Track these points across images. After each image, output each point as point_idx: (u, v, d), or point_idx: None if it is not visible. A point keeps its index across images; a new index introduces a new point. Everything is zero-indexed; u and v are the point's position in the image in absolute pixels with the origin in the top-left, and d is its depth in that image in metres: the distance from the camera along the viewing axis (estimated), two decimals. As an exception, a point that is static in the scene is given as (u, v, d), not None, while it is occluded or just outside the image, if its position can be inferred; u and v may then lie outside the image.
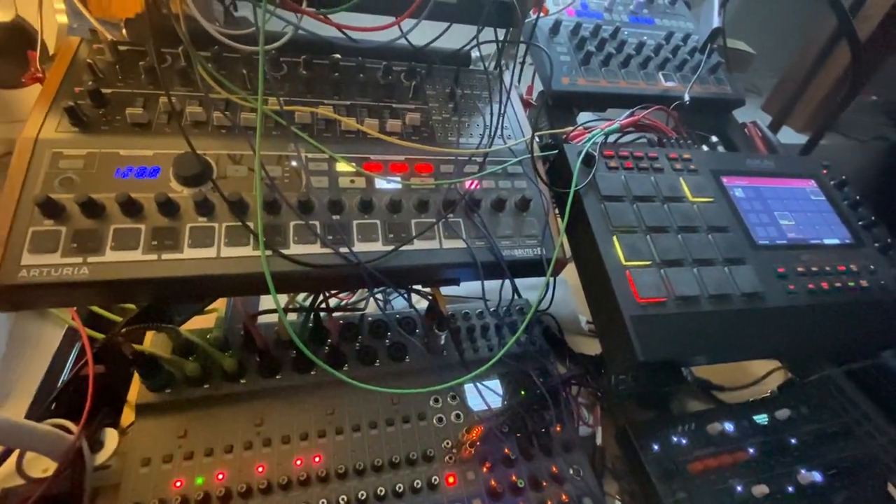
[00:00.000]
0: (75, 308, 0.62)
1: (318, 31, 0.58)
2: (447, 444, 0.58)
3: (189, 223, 0.46)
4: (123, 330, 0.53)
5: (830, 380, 0.75)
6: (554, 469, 0.58)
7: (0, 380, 0.59)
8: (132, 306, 0.59)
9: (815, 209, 0.68)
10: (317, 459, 0.54)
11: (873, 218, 0.67)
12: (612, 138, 0.68)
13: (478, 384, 0.63)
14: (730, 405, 0.74)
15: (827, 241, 0.65)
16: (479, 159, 0.58)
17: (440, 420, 0.60)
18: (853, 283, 0.60)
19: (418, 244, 0.52)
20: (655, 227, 0.57)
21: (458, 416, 0.61)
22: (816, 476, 0.65)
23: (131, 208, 0.45)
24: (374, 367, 0.63)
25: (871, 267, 0.63)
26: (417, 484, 0.53)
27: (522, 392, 0.65)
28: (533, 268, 0.56)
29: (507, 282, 0.56)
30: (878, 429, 0.72)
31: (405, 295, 0.64)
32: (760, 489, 0.61)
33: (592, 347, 0.78)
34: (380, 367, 0.63)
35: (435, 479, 0.54)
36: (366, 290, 0.71)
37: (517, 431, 0.60)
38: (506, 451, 0.58)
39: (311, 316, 0.61)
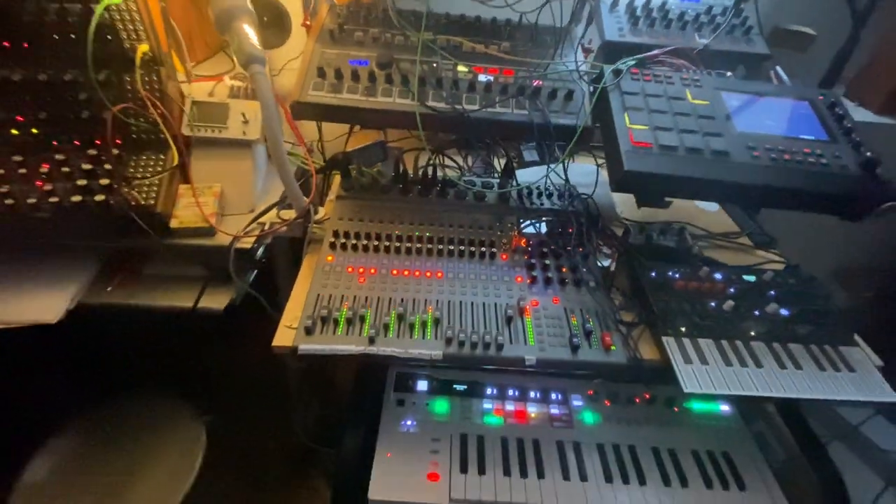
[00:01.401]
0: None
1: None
2: (504, 241, 0.93)
3: (380, 86, 0.90)
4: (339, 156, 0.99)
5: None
6: (574, 268, 0.89)
7: (265, 188, 1.08)
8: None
9: (802, 118, 0.91)
10: (428, 234, 0.92)
11: (848, 125, 0.88)
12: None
13: (530, 221, 0.97)
14: (725, 264, 0.97)
15: (803, 136, 0.88)
16: (542, 71, 0.94)
17: (501, 231, 0.95)
18: (813, 161, 0.83)
19: (500, 109, 0.89)
20: (656, 109, 0.87)
21: (512, 231, 0.95)
22: (783, 311, 0.86)
23: (354, 75, 0.89)
24: (465, 200, 1.00)
25: (837, 154, 0.85)
26: (483, 251, 0.89)
27: (559, 229, 0.97)
28: (569, 132, 0.89)
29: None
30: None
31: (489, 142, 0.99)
32: (729, 304, 0.85)
33: (619, 232, 1.07)
34: (468, 202, 1.00)
35: (494, 252, 0.90)
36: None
37: (554, 245, 0.93)
38: (543, 250, 0.91)
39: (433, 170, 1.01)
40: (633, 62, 0.95)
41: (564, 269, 0.89)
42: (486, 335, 0.75)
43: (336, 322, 0.76)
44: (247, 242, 0.92)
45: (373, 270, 0.85)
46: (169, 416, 1.07)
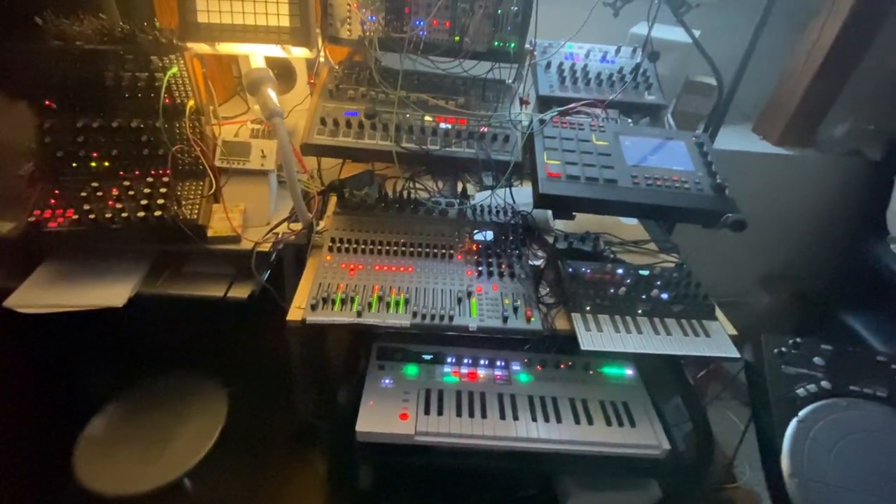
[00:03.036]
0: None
1: (424, 67, 1.34)
2: (460, 246, 1.24)
3: (367, 132, 1.22)
4: (335, 182, 1.30)
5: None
6: (511, 265, 1.20)
7: (277, 207, 1.39)
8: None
9: (676, 154, 1.24)
10: (403, 240, 1.23)
11: (710, 160, 1.22)
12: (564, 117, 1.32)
13: (480, 231, 1.28)
14: (628, 262, 1.29)
15: (675, 168, 1.21)
16: (487, 120, 1.27)
17: (459, 238, 1.26)
18: (678, 185, 1.16)
19: (455, 148, 1.22)
20: (567, 149, 1.20)
21: (468, 239, 1.27)
22: (663, 295, 1.18)
23: (348, 123, 1.22)
24: (432, 216, 1.32)
25: (697, 180, 1.18)
26: (444, 253, 1.20)
27: (502, 237, 1.28)
28: (506, 165, 1.21)
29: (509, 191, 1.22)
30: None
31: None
32: (622, 290, 1.17)
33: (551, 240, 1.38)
34: (435, 217, 1.32)
35: (452, 254, 1.20)
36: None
37: (497, 249, 1.24)
38: (488, 252, 1.23)
39: (408, 192, 1.33)
40: (555, 113, 1.29)
41: (503, 266, 1.20)
42: (441, 310, 1.05)
43: (333, 301, 1.05)
44: (264, 247, 1.22)
45: (360, 266, 1.15)
46: (199, 387, 1.35)
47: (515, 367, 1.23)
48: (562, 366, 1.25)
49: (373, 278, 1.12)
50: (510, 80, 1.41)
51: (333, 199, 1.36)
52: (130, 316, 1.17)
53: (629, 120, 1.38)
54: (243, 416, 1.34)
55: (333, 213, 1.30)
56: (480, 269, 1.18)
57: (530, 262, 1.26)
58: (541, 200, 1.12)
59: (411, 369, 1.19)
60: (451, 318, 1.04)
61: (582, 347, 1.04)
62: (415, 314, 1.04)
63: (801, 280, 2.20)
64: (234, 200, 1.29)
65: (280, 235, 1.26)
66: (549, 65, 1.46)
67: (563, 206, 1.15)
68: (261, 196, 1.33)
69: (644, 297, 1.17)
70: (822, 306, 1.98)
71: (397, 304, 1.06)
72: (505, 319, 1.06)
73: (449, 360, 1.22)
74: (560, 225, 1.47)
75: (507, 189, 1.32)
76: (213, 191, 1.24)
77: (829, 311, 1.93)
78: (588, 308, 1.13)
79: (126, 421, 1.27)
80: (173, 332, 1.35)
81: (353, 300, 1.06)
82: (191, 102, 1.23)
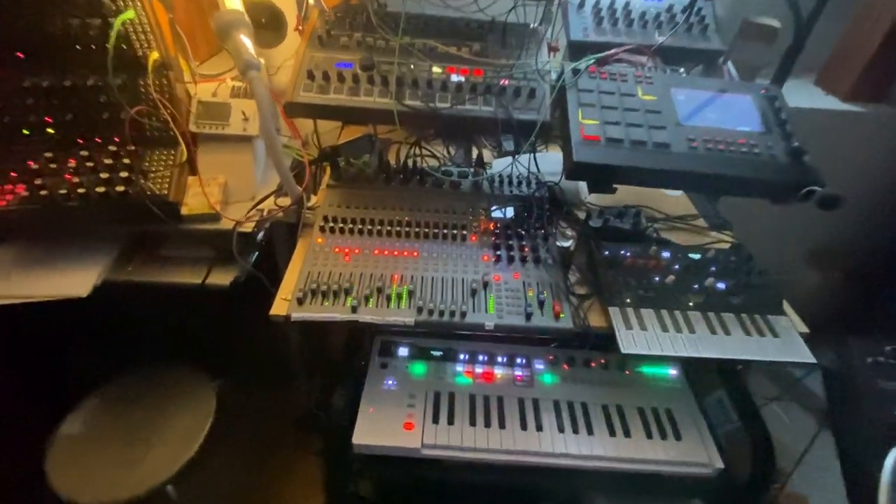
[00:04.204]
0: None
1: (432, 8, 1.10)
2: (475, 224, 1.05)
3: (363, 87, 1.01)
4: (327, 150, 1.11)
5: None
6: (535, 248, 1.01)
7: (265, 179, 1.20)
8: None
9: (742, 112, 1.01)
10: (407, 218, 1.04)
11: (784, 118, 0.98)
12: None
13: (499, 207, 1.09)
14: (675, 243, 1.09)
15: (740, 128, 0.98)
16: (508, 71, 1.04)
17: (473, 216, 1.07)
18: (746, 150, 0.93)
19: (469, 106, 1.00)
20: (608, 105, 0.97)
21: (483, 216, 1.07)
22: (719, 284, 0.98)
23: (340, 77, 1.01)
24: (442, 188, 1.12)
25: (769, 144, 0.95)
26: (455, 233, 1.01)
27: (525, 214, 1.08)
28: (531, 127, 1.00)
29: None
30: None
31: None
32: (670, 278, 0.97)
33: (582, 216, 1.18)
34: (445, 189, 1.12)
35: (465, 234, 1.02)
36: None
37: (519, 228, 1.05)
38: (508, 233, 1.03)
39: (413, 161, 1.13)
40: (592, 61, 1.05)
41: (526, 249, 1.01)
42: (452, 305, 0.88)
43: (324, 294, 0.88)
44: (248, 227, 1.05)
45: (357, 250, 0.97)
46: (183, 381, 1.22)
47: (538, 365, 1.06)
48: (593, 364, 1.08)
49: (371, 265, 0.95)
50: (535, 23, 1.16)
51: (329, 170, 1.17)
52: (105, 305, 1.02)
53: (681, 69, 1.14)
54: (234, 412, 1.22)
55: (326, 187, 1.11)
56: (499, 253, 0.99)
57: (558, 244, 1.06)
58: (574, 169, 0.91)
59: (418, 368, 1.03)
60: (463, 314, 0.87)
61: (623, 350, 0.86)
62: (420, 309, 0.87)
63: (858, 256, 1.95)
64: (212, 172, 1.11)
65: (266, 213, 1.09)
66: (582, 4, 1.21)
67: (603, 177, 0.94)
68: (243, 166, 1.15)
69: (696, 286, 0.98)
70: (885, 288, 1.75)
71: (399, 296, 0.89)
72: (528, 316, 0.88)
73: (461, 356, 1.06)
74: (593, 198, 1.26)
75: (532, 155, 1.10)
76: (185, 160, 1.06)
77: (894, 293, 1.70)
78: (629, 301, 0.94)
79: (104, 419, 1.15)
80: (155, 322, 1.22)
81: (347, 292, 0.89)
82: (154, 55, 1.03)
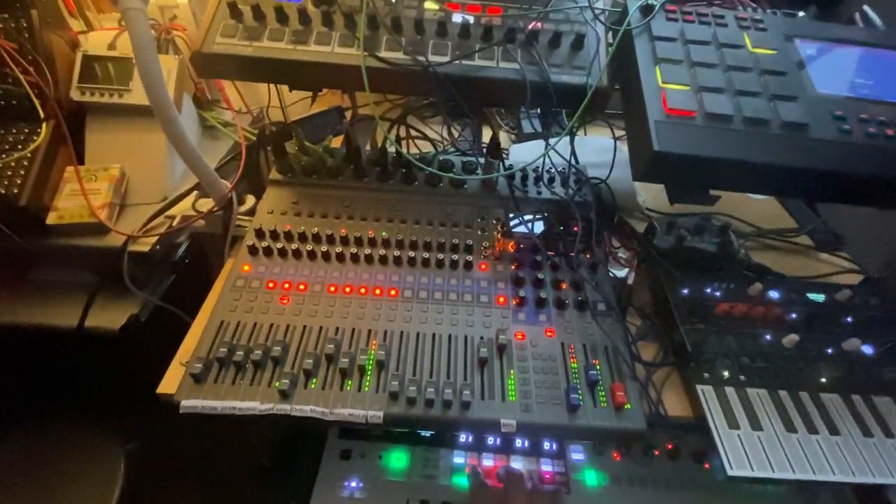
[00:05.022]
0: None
1: None
2: (485, 244, 0.69)
3: (315, 29, 0.65)
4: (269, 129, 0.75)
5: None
6: (575, 279, 0.66)
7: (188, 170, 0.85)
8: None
9: (907, 75, 0.64)
10: (384, 234, 0.69)
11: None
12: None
13: (521, 215, 0.73)
14: (782, 276, 0.73)
15: (911, 101, 0.61)
16: (544, 7, 0.68)
17: (483, 230, 0.72)
18: (932, 136, 0.57)
19: (480, 61, 0.64)
20: (701, 62, 0.61)
21: (497, 231, 0.72)
22: (865, 347, 0.62)
23: (281, 15, 0.65)
24: (439, 187, 0.77)
25: (966, 127, 0.58)
26: (455, 259, 0.66)
27: (561, 227, 0.73)
28: (577, 95, 0.64)
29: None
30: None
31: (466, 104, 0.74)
32: (790, 338, 0.62)
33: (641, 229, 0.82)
34: (442, 189, 0.77)
35: (470, 261, 0.66)
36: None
37: (549, 250, 0.69)
38: (536, 258, 0.68)
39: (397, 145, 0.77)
40: (666, -4, 0.68)
41: (564, 286, 0.65)
42: (446, 387, 0.53)
43: (238, 366, 0.54)
44: (144, 244, 0.70)
45: (301, 286, 0.63)
46: (83, 444, 0.89)
47: (577, 455, 0.72)
48: (656, 452, 0.73)
49: (322, 312, 0.60)
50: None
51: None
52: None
53: (800, 13, 0.76)
54: (149, 483, 0.90)
55: (268, 184, 0.76)
56: (523, 292, 0.64)
57: (612, 272, 0.71)
58: (654, 165, 0.55)
59: (397, 459, 0.70)
60: (464, 404, 0.52)
61: (729, 473, 0.51)
62: (394, 395, 0.53)
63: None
64: (106, 160, 0.77)
65: (177, 222, 0.74)
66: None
67: (699, 179, 0.58)
68: (151, 152, 0.80)
69: (829, 350, 0.63)
70: None
71: (362, 370, 0.55)
72: (573, 407, 0.53)
73: (462, 439, 0.72)
74: (650, 201, 0.90)
75: (570, 139, 0.74)
76: (47, 144, 0.71)
77: None
78: (726, 375, 0.60)
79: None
80: (51, 368, 0.88)
81: (276, 362, 0.55)
82: (-4, -22, 0.67)
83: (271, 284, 0.63)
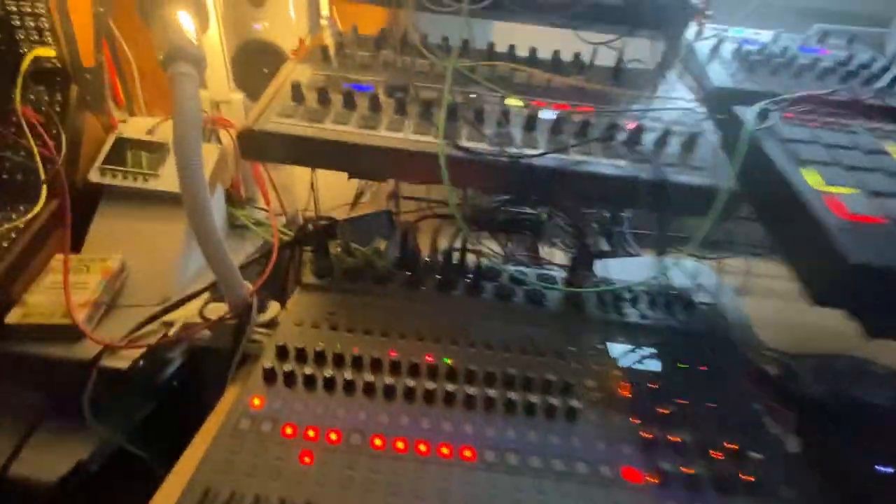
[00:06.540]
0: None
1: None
2: (590, 383, 0.51)
3: (386, 116, 0.56)
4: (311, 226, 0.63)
5: None
6: (738, 456, 0.45)
7: (206, 269, 0.71)
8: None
9: None
10: (447, 360, 0.51)
11: None
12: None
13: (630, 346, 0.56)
14: None
15: None
16: (644, 108, 0.60)
17: (579, 363, 0.53)
18: None
19: (577, 156, 0.54)
20: (858, 166, 0.50)
21: (600, 365, 0.54)
22: None
23: (349, 100, 0.57)
24: (511, 302, 0.61)
25: None
26: (551, 402, 0.47)
27: (680, 365, 0.55)
28: (699, 199, 0.52)
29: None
30: None
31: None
32: None
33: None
34: (517, 304, 0.61)
35: (573, 410, 0.47)
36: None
37: (678, 397, 0.50)
38: (658, 409, 0.48)
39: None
40: (785, 104, 0.61)
41: (716, 454, 0.45)
42: None
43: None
44: (122, 360, 0.52)
45: (333, 435, 0.42)
46: None
47: None
48: None
49: (360, 481, 0.39)
50: (653, 63, 0.76)
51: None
52: None
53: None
54: None
55: (299, 289, 0.60)
56: (661, 461, 0.43)
57: (767, 431, 0.50)
58: (847, 283, 0.39)
59: None
60: None
61: None
62: None
63: None
64: (107, 249, 0.63)
65: (173, 331, 0.57)
66: (716, 48, 0.82)
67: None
68: (166, 244, 0.66)
69: None
70: None
71: None
72: None
73: None
74: (767, 332, 0.73)
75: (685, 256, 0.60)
76: (43, 225, 0.58)
77: None
78: None
79: None
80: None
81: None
82: (40, 52, 0.62)
83: (290, 430, 0.43)
